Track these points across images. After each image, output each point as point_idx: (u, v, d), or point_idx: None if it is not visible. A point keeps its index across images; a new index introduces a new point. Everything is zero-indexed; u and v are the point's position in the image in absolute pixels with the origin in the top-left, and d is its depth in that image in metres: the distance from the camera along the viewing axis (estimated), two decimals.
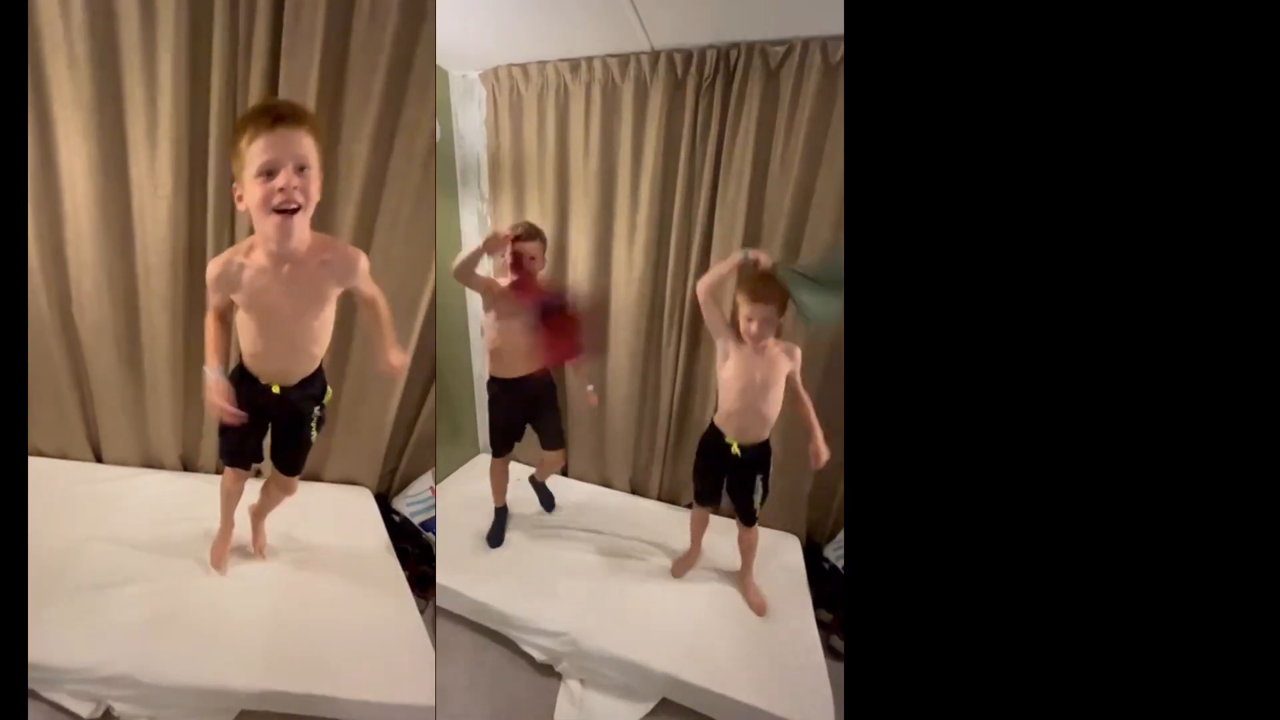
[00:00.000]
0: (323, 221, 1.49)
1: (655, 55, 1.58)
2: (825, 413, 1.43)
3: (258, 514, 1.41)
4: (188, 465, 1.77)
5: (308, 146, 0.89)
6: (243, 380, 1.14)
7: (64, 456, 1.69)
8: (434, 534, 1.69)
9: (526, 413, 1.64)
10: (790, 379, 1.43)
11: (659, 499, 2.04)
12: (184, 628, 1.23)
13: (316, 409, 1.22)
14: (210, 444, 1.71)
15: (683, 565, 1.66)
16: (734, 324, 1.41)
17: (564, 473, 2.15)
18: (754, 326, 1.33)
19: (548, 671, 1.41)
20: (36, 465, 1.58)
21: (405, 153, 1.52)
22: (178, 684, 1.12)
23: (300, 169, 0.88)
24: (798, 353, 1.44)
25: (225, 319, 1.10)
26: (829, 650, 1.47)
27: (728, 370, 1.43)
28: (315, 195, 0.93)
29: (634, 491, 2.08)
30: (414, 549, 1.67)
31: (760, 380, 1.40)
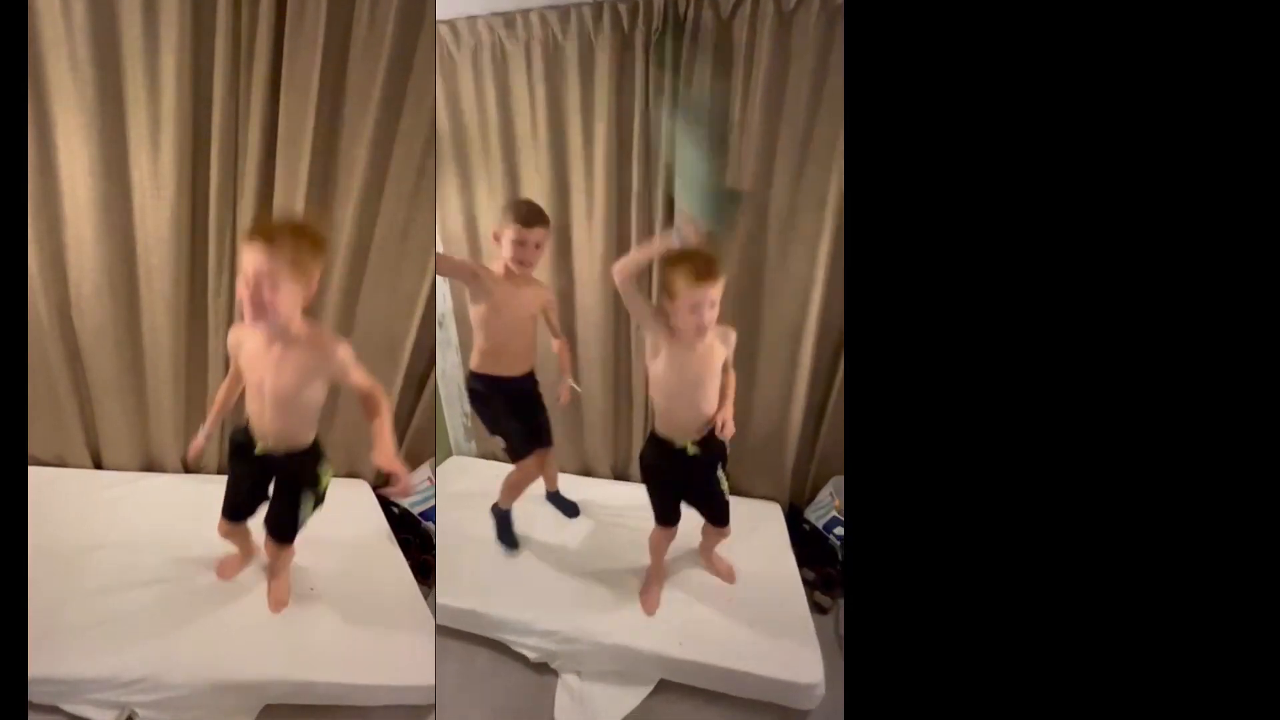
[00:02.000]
0: (321, 218, 1.50)
1: (599, 7, 1.47)
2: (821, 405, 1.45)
3: (270, 572, 1.39)
4: (189, 468, 1.75)
5: (284, 264, 0.97)
6: (242, 437, 1.21)
7: (62, 464, 1.67)
8: (433, 523, 1.70)
9: (519, 412, 1.55)
10: (724, 366, 1.27)
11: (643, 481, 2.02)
12: (200, 627, 1.24)
13: (308, 490, 1.23)
14: (214, 444, 1.68)
15: (652, 594, 1.44)
16: (663, 312, 1.19)
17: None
18: (699, 315, 1.12)
19: (544, 669, 1.39)
20: (35, 474, 1.55)
21: (405, 155, 1.51)
22: (200, 682, 1.12)
23: (268, 281, 0.97)
24: (732, 337, 1.28)
25: (238, 380, 1.20)
26: (814, 606, 1.52)
27: (659, 367, 1.23)
28: (287, 305, 1.00)
29: (617, 477, 2.04)
30: (414, 539, 1.68)
31: (695, 376, 1.23)
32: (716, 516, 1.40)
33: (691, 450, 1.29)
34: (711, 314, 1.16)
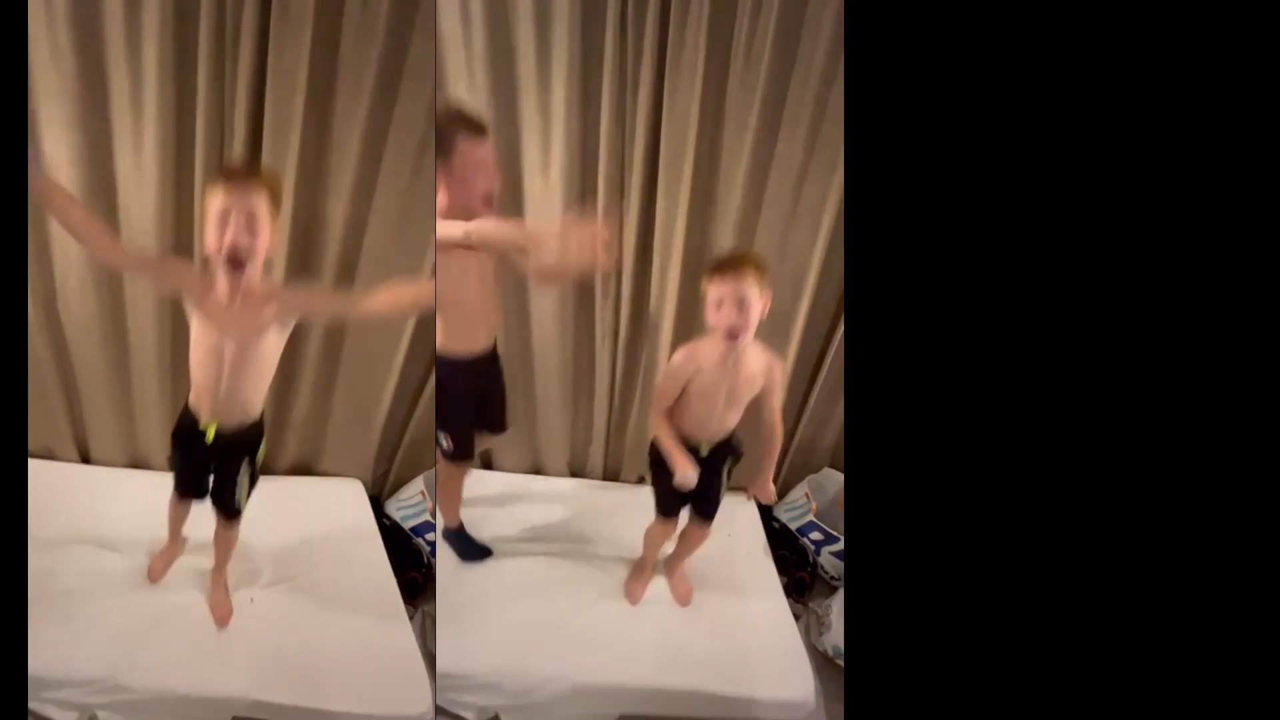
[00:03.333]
0: (313, 216, 1.46)
1: None
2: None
3: (214, 574, 1.33)
4: (139, 465, 1.68)
5: (260, 200, 0.96)
6: (184, 418, 1.16)
7: (50, 456, 1.63)
8: (424, 539, 1.62)
9: (478, 398, 1.35)
10: (765, 406, 1.21)
11: (603, 479, 1.83)
12: (172, 633, 1.20)
13: (248, 461, 1.19)
14: (165, 440, 1.60)
15: (639, 585, 1.43)
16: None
17: (488, 465, 1.90)
18: (723, 311, 1.06)
19: None
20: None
21: (398, 147, 1.41)
22: (166, 691, 1.09)
23: (250, 219, 0.95)
24: (778, 373, 1.21)
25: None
26: None
27: (695, 377, 1.18)
28: (263, 251, 0.99)
29: (573, 474, 1.85)
30: (404, 554, 1.59)
31: (725, 395, 1.18)
32: (704, 512, 1.37)
33: (705, 450, 1.26)
34: (740, 317, 1.07)
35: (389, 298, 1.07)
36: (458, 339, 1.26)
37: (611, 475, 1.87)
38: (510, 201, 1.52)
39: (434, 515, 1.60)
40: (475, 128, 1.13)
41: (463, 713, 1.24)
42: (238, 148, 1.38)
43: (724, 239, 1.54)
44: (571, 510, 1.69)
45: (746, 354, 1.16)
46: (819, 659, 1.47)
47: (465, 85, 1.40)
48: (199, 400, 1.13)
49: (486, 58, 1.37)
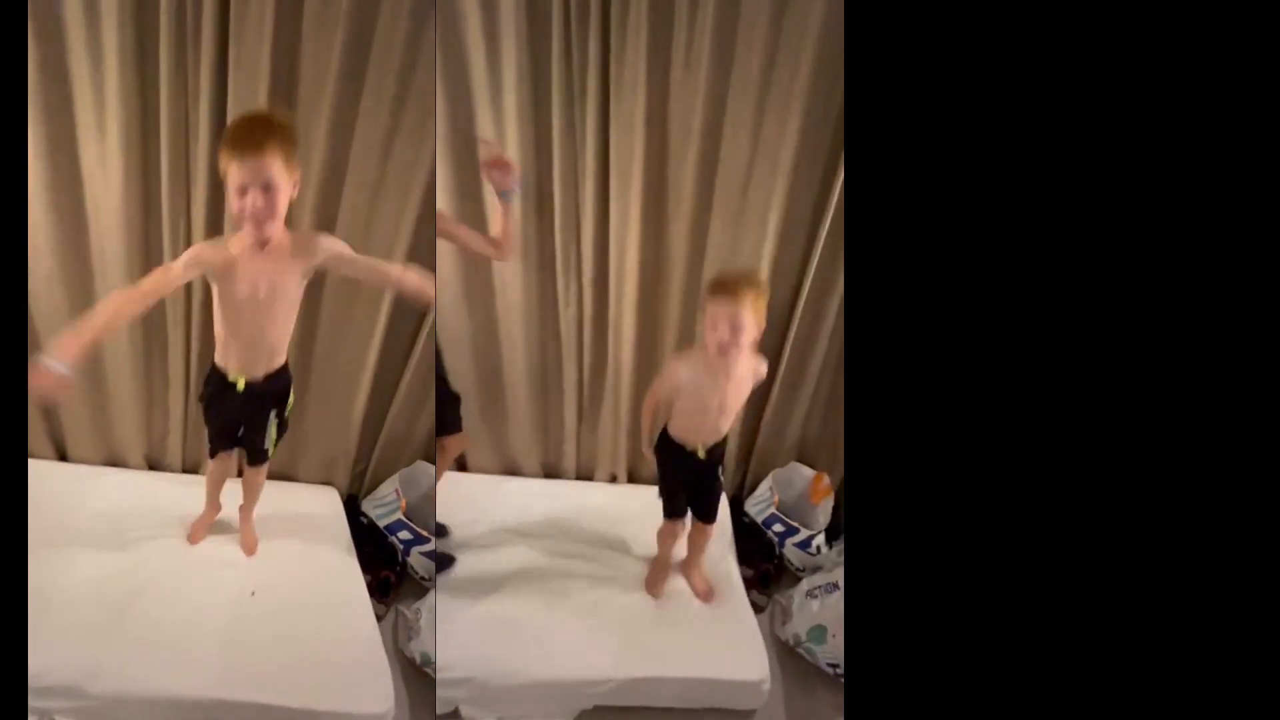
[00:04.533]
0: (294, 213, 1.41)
1: None
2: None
3: (244, 510, 1.47)
4: (153, 464, 1.70)
5: (275, 167, 0.98)
6: (212, 377, 1.23)
7: (29, 454, 1.59)
8: (396, 538, 1.62)
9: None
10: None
11: (576, 478, 1.86)
12: (136, 634, 1.18)
13: (275, 410, 1.27)
14: (176, 440, 1.67)
15: (658, 581, 1.48)
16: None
17: (462, 466, 1.91)
18: (717, 333, 1.13)
19: (449, 718, 1.26)
20: None
21: (366, 136, 1.41)
22: (128, 694, 1.09)
23: (266, 188, 0.99)
24: (763, 370, 1.30)
25: (151, 296, 1.06)
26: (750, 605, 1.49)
27: (687, 376, 1.26)
28: (284, 206, 1.02)
29: (546, 474, 1.87)
30: (377, 553, 1.61)
31: (718, 405, 1.27)
32: (706, 513, 1.44)
33: (702, 453, 1.35)
34: (733, 337, 1.13)
35: (403, 274, 1.15)
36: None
37: (585, 474, 1.89)
38: (471, 210, 1.55)
39: (406, 514, 1.64)
40: None
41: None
42: (203, 137, 1.36)
43: (678, 239, 1.58)
44: (545, 509, 1.71)
45: (739, 368, 1.24)
46: (781, 647, 1.48)
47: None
48: (226, 355, 1.19)
49: (442, 72, 1.41)
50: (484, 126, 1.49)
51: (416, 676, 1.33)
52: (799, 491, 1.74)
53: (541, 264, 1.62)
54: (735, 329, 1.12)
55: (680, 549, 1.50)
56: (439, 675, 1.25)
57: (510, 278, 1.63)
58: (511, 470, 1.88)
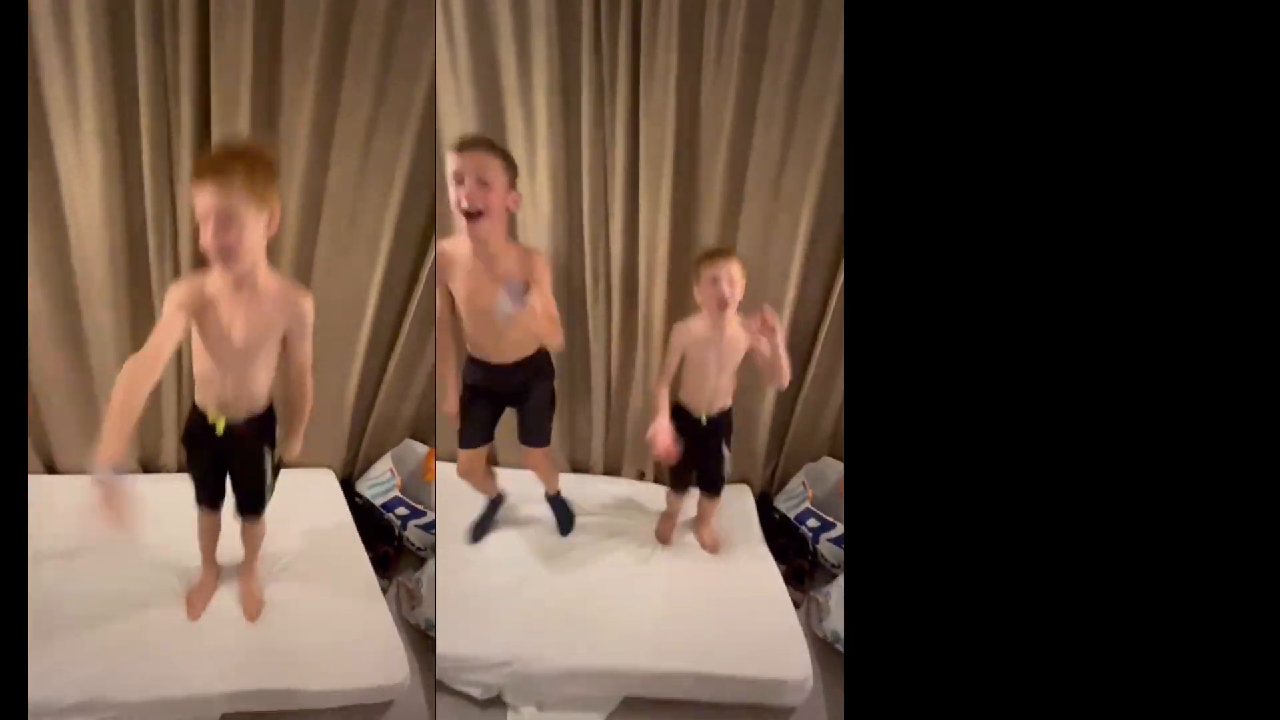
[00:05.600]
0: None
1: None
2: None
3: (244, 570, 1.32)
4: (147, 467, 1.64)
5: (238, 198, 0.89)
6: (193, 418, 1.14)
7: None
8: (393, 514, 1.64)
9: (512, 400, 1.38)
10: (757, 354, 1.36)
11: (604, 473, 1.86)
12: (153, 640, 1.16)
13: (269, 450, 1.17)
14: (171, 441, 1.60)
15: (668, 530, 1.60)
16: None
17: (494, 461, 1.95)
18: (718, 287, 1.29)
19: (492, 704, 1.26)
20: None
21: (349, 123, 1.35)
22: (152, 699, 1.06)
23: (228, 221, 0.90)
24: (767, 314, 1.31)
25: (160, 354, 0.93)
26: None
27: (691, 348, 1.40)
28: (254, 241, 0.94)
29: (575, 469, 1.87)
30: (374, 530, 1.62)
31: (716, 362, 1.39)
32: (709, 487, 1.53)
33: (704, 420, 1.45)
34: (730, 290, 1.31)
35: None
36: (477, 347, 1.33)
37: (612, 470, 1.89)
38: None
39: (402, 491, 1.65)
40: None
41: (469, 690, 1.25)
42: (184, 131, 1.29)
43: (708, 234, 1.55)
44: (574, 503, 1.72)
45: (729, 325, 1.37)
46: (819, 644, 1.47)
47: (453, 99, 1.44)
48: (205, 396, 1.09)
49: (471, 72, 1.40)
50: (514, 125, 1.49)
51: (829, 653, 1.43)
52: (832, 486, 1.73)
53: (570, 261, 1.60)
54: (733, 282, 1.31)
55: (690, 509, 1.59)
56: (438, 638, 1.28)
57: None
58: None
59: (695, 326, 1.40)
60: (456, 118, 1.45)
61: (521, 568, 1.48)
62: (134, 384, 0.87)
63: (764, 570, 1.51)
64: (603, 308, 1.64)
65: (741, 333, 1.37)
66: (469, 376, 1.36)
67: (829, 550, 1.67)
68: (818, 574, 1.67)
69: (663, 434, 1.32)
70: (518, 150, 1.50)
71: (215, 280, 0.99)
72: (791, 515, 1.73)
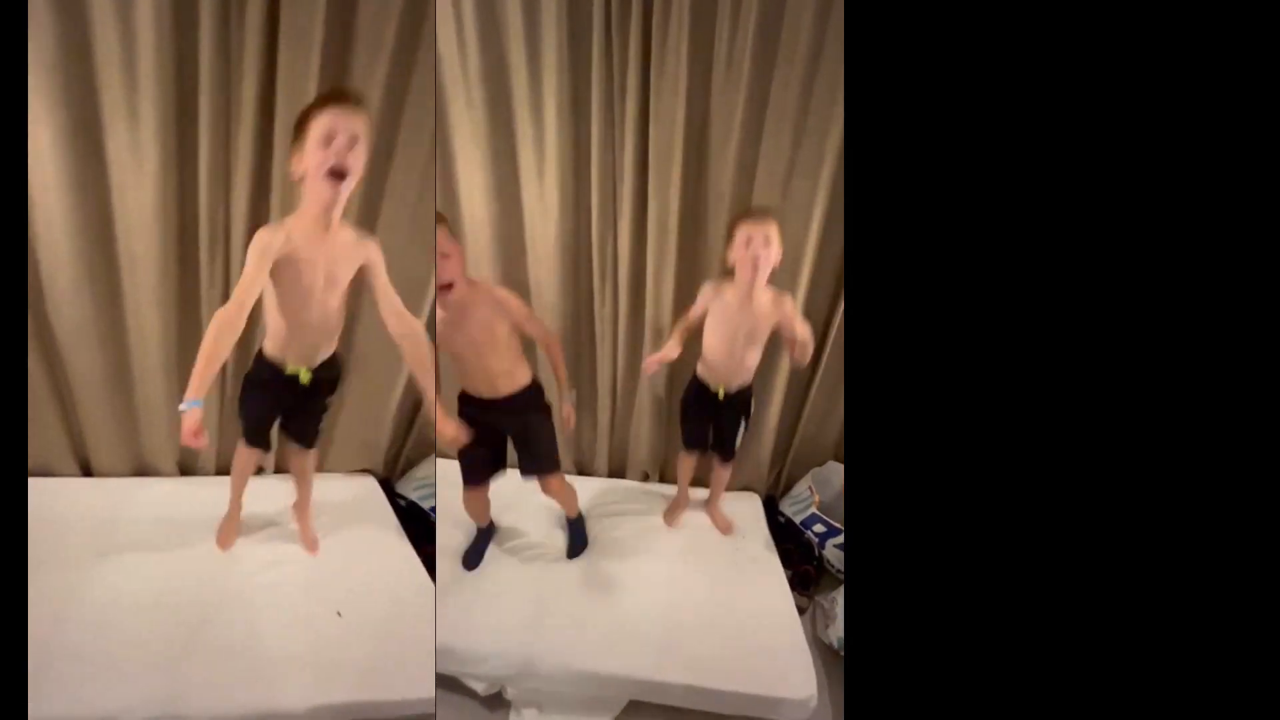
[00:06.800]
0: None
1: None
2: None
3: (300, 506, 1.42)
4: (185, 470, 1.61)
5: (360, 124, 1.00)
6: (261, 368, 1.18)
7: (48, 473, 1.50)
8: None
9: (512, 433, 1.36)
10: (786, 327, 1.30)
11: (608, 475, 1.85)
12: (210, 650, 1.13)
13: (328, 396, 1.25)
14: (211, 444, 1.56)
15: (674, 512, 1.62)
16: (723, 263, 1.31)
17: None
18: (753, 248, 1.22)
19: (495, 703, 1.26)
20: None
21: (418, 116, 1.37)
22: (218, 716, 1.03)
23: (353, 141, 0.99)
24: (788, 304, 1.31)
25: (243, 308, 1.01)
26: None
27: (712, 318, 1.36)
28: (358, 171, 1.02)
29: (580, 471, 1.87)
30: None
31: (741, 332, 1.34)
32: (722, 451, 1.54)
33: (722, 395, 1.43)
34: (765, 252, 1.24)
35: (409, 331, 1.11)
36: (466, 381, 1.32)
37: (616, 472, 1.87)
38: (509, 207, 1.55)
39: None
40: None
41: (472, 685, 1.25)
42: (246, 119, 1.27)
43: (716, 238, 1.55)
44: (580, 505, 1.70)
45: (759, 295, 1.30)
46: (826, 652, 1.45)
47: (463, 100, 1.45)
48: (283, 346, 1.14)
49: (480, 73, 1.40)
50: (523, 128, 1.47)
51: (836, 661, 1.41)
52: (839, 491, 1.70)
53: (578, 263, 1.60)
54: (767, 242, 1.24)
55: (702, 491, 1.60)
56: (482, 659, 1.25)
57: (546, 275, 1.61)
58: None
59: (724, 290, 1.34)
60: (467, 122, 1.44)
61: (528, 567, 1.48)
62: (221, 333, 0.96)
63: (772, 583, 1.48)
64: (610, 309, 1.64)
65: (771, 307, 1.31)
66: (465, 414, 1.31)
67: (835, 556, 1.65)
68: (824, 580, 1.65)
69: (659, 356, 1.33)
70: (527, 152, 1.49)
71: (298, 226, 1.04)
72: (797, 520, 1.71)
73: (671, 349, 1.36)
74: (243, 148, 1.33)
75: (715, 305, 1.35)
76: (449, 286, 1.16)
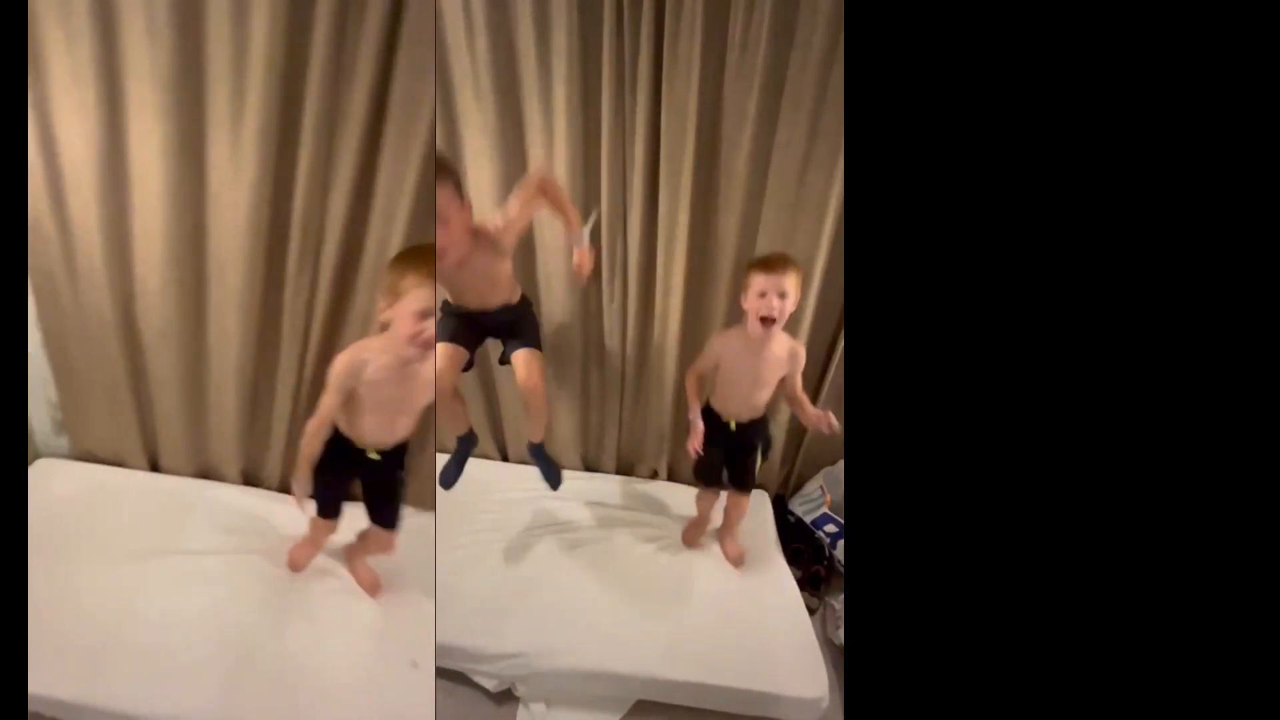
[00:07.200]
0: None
1: None
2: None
3: (355, 555, 1.38)
4: (249, 480, 1.60)
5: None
6: (336, 447, 1.19)
7: (120, 463, 1.57)
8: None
9: (495, 332, 1.33)
10: (789, 384, 1.33)
11: (616, 472, 1.84)
12: (264, 667, 1.13)
13: (403, 475, 1.26)
14: (275, 457, 1.56)
15: (695, 535, 1.56)
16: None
17: (504, 457, 1.93)
18: (767, 300, 1.19)
19: (505, 698, 1.26)
20: (91, 471, 1.55)
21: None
22: None
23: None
24: (801, 356, 1.32)
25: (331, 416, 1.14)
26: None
27: (728, 355, 1.33)
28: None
29: (587, 468, 1.85)
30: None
31: (753, 378, 1.32)
32: (740, 484, 1.48)
33: (733, 426, 1.40)
34: (780, 304, 1.20)
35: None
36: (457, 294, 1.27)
37: (625, 469, 1.86)
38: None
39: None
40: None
41: (482, 681, 1.26)
42: (352, 132, 1.24)
43: (728, 231, 1.51)
44: (585, 502, 1.69)
45: (774, 340, 1.28)
46: (836, 653, 1.43)
47: (471, 89, 1.42)
48: (358, 433, 1.17)
49: (489, 62, 1.37)
50: (531, 117, 1.44)
51: (840, 661, 1.41)
52: None
53: None
54: (781, 297, 1.19)
55: (718, 517, 1.53)
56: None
57: (555, 268, 1.58)
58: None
59: (734, 338, 1.32)
60: (476, 111, 1.41)
61: (537, 564, 1.47)
62: (310, 440, 1.15)
63: (783, 583, 1.46)
64: (618, 304, 1.61)
65: (784, 353, 1.30)
66: (450, 325, 1.27)
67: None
68: (834, 580, 1.63)
69: (693, 433, 1.34)
70: (535, 144, 1.46)
71: (380, 360, 1.10)
72: (808, 519, 1.68)
73: (694, 414, 1.36)
74: (344, 160, 1.28)
75: (726, 352, 1.33)
76: (446, 251, 1.08)
